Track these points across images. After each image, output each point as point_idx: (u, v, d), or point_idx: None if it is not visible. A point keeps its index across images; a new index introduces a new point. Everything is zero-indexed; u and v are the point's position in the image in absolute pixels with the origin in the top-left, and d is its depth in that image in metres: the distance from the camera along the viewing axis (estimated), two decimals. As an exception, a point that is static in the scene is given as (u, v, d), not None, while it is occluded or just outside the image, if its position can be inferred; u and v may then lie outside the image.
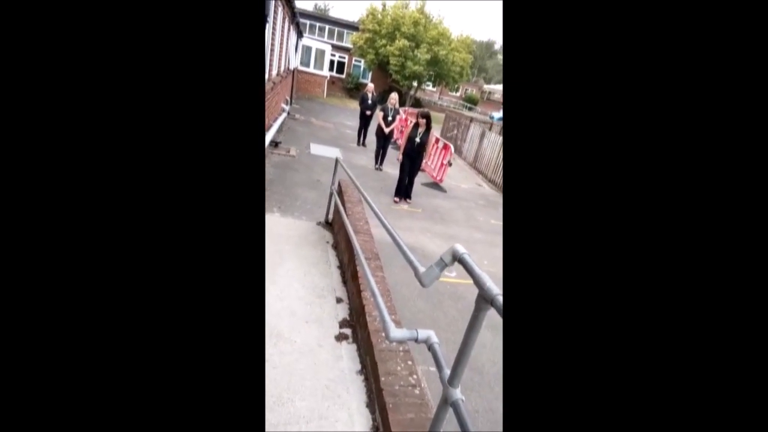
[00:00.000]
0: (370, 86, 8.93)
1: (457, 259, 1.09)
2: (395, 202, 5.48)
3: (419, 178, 7.37)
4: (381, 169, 7.09)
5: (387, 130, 6.91)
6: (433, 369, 2.38)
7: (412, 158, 5.43)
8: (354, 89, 20.86)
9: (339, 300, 2.46)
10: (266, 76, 4.70)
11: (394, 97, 7.23)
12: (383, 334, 1.83)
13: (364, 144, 8.82)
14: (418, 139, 5.34)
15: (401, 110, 7.91)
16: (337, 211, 3.38)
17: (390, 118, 6.95)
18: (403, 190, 5.57)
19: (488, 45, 39.61)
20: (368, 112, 8.57)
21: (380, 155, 7.15)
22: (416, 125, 5.36)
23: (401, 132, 8.95)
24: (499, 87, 27.85)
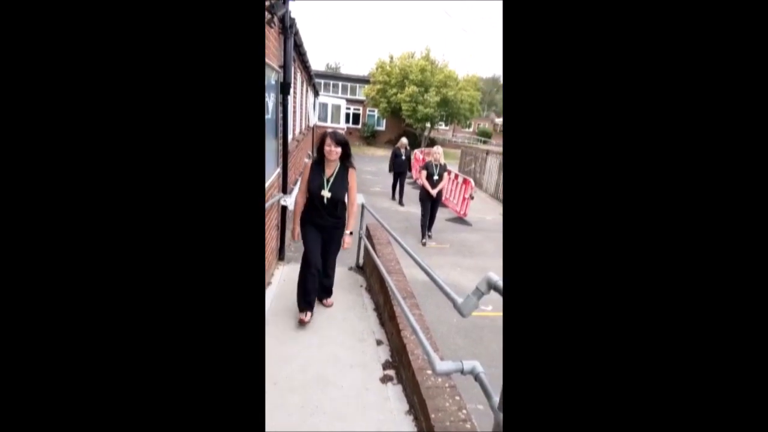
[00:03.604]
0: (403, 141, 8.13)
1: (492, 287, 1.16)
2: (301, 314, 2.61)
3: (442, 214, 7.10)
4: (431, 237, 5.80)
5: (434, 192, 5.49)
6: (481, 407, 2.32)
7: (322, 224, 2.53)
8: (370, 137, 21.94)
9: (379, 342, 2.49)
10: (290, 136, 5.00)
11: (438, 151, 5.75)
12: (428, 372, 1.85)
13: (401, 203, 8.01)
14: (327, 193, 2.44)
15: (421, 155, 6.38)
16: (367, 254, 3.49)
17: (436, 177, 5.50)
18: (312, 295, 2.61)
19: (495, 80, 40.99)
20: (402, 169, 8.03)
21: (427, 224, 5.71)
22: (320, 158, 2.47)
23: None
24: (511, 118, 28.21)
